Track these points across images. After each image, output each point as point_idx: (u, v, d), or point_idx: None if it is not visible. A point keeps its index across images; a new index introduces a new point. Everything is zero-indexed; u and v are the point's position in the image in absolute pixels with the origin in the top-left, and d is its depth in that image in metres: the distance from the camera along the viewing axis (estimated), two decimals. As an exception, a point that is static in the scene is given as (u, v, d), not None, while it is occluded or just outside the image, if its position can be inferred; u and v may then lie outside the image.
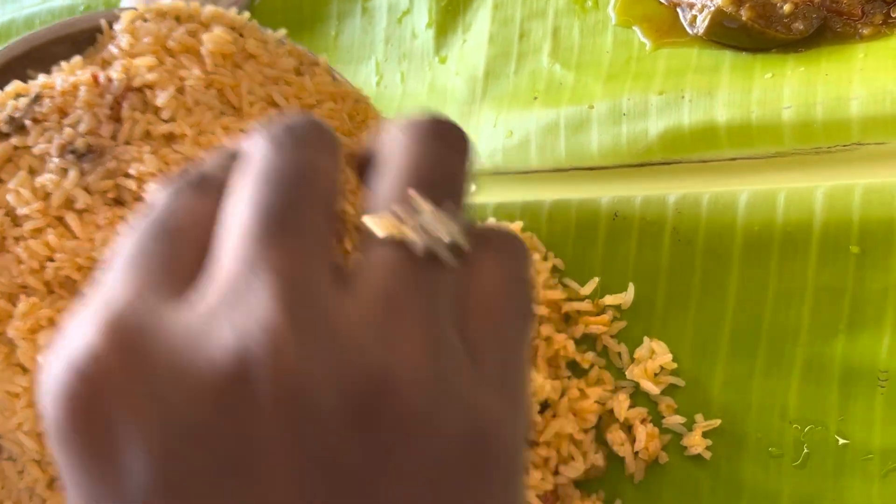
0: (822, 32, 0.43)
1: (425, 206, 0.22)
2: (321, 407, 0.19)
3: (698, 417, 0.41)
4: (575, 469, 0.41)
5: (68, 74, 0.38)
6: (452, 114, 0.52)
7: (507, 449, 0.23)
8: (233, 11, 0.63)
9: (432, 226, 0.22)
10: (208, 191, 0.24)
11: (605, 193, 0.45)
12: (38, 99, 0.37)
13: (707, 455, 0.40)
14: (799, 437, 0.39)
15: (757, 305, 0.41)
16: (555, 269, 0.46)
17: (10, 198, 0.36)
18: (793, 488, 0.38)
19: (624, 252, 0.44)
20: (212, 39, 0.39)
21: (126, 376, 0.19)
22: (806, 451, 0.39)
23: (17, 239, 0.35)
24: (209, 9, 0.41)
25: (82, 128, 0.36)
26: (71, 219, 0.35)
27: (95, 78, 0.37)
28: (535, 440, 0.42)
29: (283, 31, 0.42)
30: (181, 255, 0.22)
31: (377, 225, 0.22)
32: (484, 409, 0.22)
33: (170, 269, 0.22)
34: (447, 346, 0.21)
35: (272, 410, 0.19)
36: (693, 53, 0.46)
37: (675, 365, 0.42)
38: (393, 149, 0.24)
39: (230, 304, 0.20)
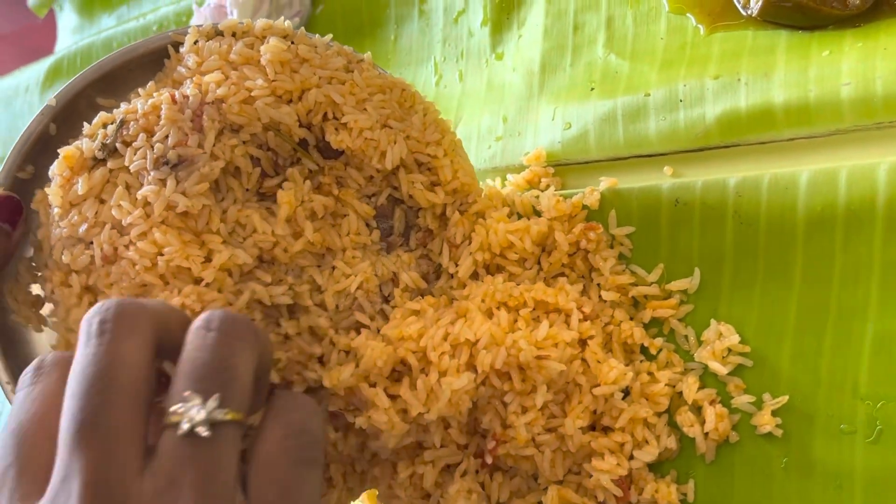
0: (879, 6, 0.42)
1: (191, 400, 0.30)
2: None
3: (766, 396, 0.41)
4: (649, 453, 0.42)
5: (146, 98, 0.42)
6: (511, 109, 0.53)
7: None
8: (295, 22, 0.66)
9: (192, 414, 0.29)
10: (45, 380, 0.32)
11: (666, 180, 0.45)
12: (123, 124, 0.41)
13: (778, 433, 0.40)
14: (871, 414, 0.39)
15: (823, 284, 0.41)
16: (621, 256, 0.47)
17: (114, 212, 0.39)
18: (866, 464, 0.38)
19: (687, 237, 0.45)
20: (269, 49, 0.42)
21: None
22: (879, 426, 0.39)
23: (126, 246, 0.39)
24: (261, 22, 0.44)
25: (171, 141, 0.40)
26: (175, 219, 0.40)
27: (173, 97, 0.40)
28: (611, 426, 0.43)
29: (329, 36, 0.45)
30: (27, 455, 0.30)
31: (166, 420, 0.30)
32: None
33: (17, 473, 0.30)
34: None
35: None
36: (748, 35, 0.46)
37: (743, 347, 0.42)
38: (185, 350, 0.32)
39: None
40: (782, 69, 0.43)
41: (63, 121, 0.44)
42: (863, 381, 0.39)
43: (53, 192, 0.40)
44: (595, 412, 0.43)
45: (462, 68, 0.58)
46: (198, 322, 0.32)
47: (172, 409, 0.30)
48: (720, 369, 0.42)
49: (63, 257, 0.40)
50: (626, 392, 0.43)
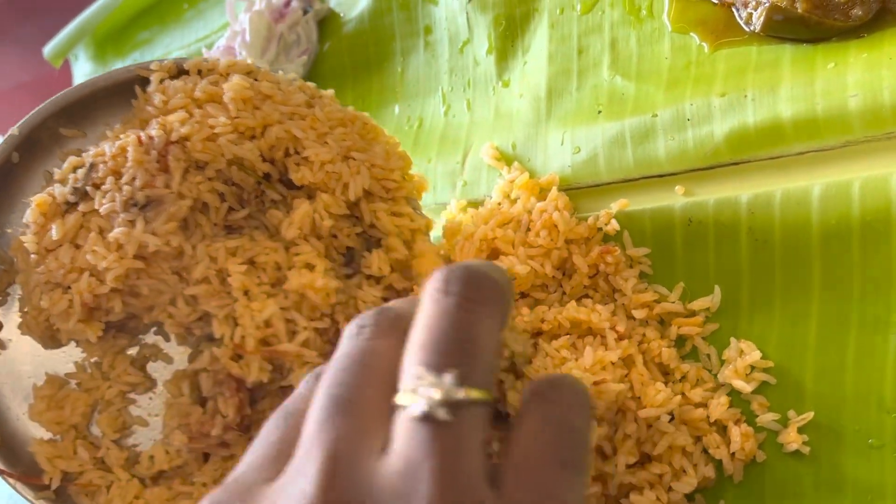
0: (881, 16, 0.42)
1: (425, 376, 0.26)
2: None
3: (791, 413, 0.41)
4: (688, 484, 0.41)
5: (114, 140, 0.43)
6: (520, 135, 0.53)
7: None
8: (303, 60, 0.67)
9: (428, 392, 0.26)
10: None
11: (678, 200, 0.45)
12: (93, 167, 0.42)
13: (805, 450, 0.40)
14: (899, 427, 0.38)
15: (843, 297, 0.40)
16: (642, 275, 0.47)
17: (89, 258, 0.40)
18: (898, 478, 0.38)
19: (703, 256, 0.44)
20: (231, 88, 0.43)
21: None
22: (908, 439, 0.38)
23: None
24: (225, 60, 0.45)
25: (138, 182, 0.41)
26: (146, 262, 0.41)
27: (139, 139, 0.42)
28: (650, 453, 0.42)
29: (293, 74, 0.46)
30: (289, 435, 0.29)
31: (398, 400, 0.27)
32: None
33: (277, 448, 0.29)
34: (462, 498, 0.25)
35: None
36: (752, 51, 0.46)
37: (766, 362, 0.42)
38: (417, 318, 0.29)
39: (292, 478, 0.27)
40: (788, 83, 0.43)
41: (26, 150, 0.45)
42: (888, 394, 0.39)
43: (29, 240, 0.42)
44: (639, 439, 0.42)
45: (470, 97, 0.58)
46: (434, 283, 0.29)
47: (403, 387, 0.27)
48: (745, 387, 0.42)
49: (42, 302, 0.41)
50: (671, 416, 0.43)
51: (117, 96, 0.46)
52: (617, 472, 0.41)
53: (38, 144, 0.46)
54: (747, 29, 0.46)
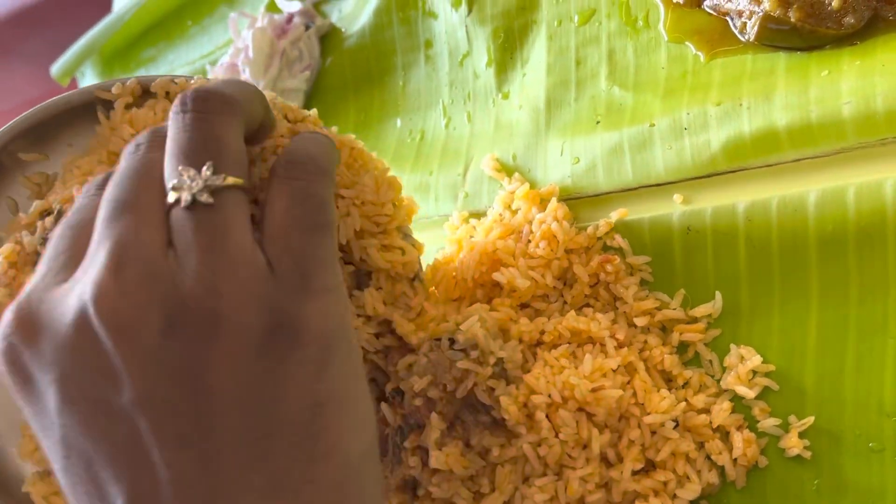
0: (873, 23, 0.43)
1: (185, 173, 0.31)
2: (140, 327, 0.28)
3: (792, 419, 0.41)
4: (692, 490, 0.42)
5: (80, 181, 0.42)
6: (520, 147, 0.54)
7: (314, 339, 0.30)
8: (306, 75, 0.68)
9: (189, 184, 0.31)
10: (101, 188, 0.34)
11: (676, 208, 0.46)
12: (60, 214, 0.41)
13: (807, 455, 0.40)
14: (899, 430, 0.39)
15: (841, 302, 0.41)
16: (643, 282, 0.47)
17: None
18: (898, 482, 0.38)
19: (701, 264, 0.45)
20: None
21: (27, 341, 0.30)
22: (908, 443, 0.38)
23: None
24: (196, 81, 0.44)
25: None
26: None
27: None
28: (653, 459, 0.43)
29: (273, 94, 0.44)
30: (76, 244, 0.32)
31: (168, 199, 0.31)
32: (282, 307, 0.30)
33: (65, 256, 0.32)
34: (235, 263, 0.30)
35: (105, 336, 0.28)
36: (747, 60, 0.46)
37: (768, 366, 0.42)
38: (168, 139, 0.33)
39: (84, 272, 0.30)
40: (783, 91, 0.44)
41: None
42: (888, 398, 0.39)
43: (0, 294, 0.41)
44: (643, 446, 0.43)
45: (470, 110, 0.59)
46: (173, 107, 0.33)
47: (170, 185, 0.31)
48: (748, 393, 0.42)
49: None
50: (676, 423, 0.43)
51: (78, 118, 0.45)
52: (622, 479, 0.42)
53: None
54: (742, 38, 0.47)
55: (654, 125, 0.48)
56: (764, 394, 0.42)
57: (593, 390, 0.41)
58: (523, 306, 0.49)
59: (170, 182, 0.31)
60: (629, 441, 0.42)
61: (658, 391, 0.43)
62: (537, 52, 0.56)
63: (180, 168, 0.31)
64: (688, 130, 0.46)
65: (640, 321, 0.46)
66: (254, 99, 0.37)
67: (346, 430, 0.31)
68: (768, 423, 0.42)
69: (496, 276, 0.47)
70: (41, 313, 0.30)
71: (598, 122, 0.51)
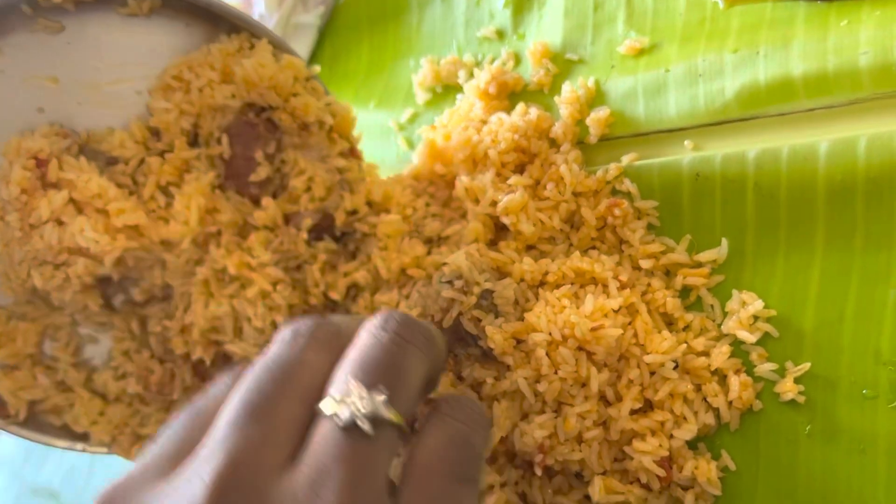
0: (896, -27, 0.42)
1: (355, 389, 0.28)
2: None
3: (788, 364, 0.42)
4: (689, 430, 0.42)
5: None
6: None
7: None
8: (321, 10, 0.67)
9: (357, 403, 0.27)
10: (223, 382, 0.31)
11: (686, 154, 0.46)
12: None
13: (801, 399, 0.41)
14: (893, 379, 0.39)
15: (845, 251, 0.41)
16: (650, 227, 0.47)
17: (80, 241, 0.43)
18: (889, 429, 0.39)
19: (709, 210, 0.45)
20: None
21: None
22: (902, 391, 0.39)
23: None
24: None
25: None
26: None
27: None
28: (652, 399, 0.43)
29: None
30: (190, 435, 0.29)
31: (322, 406, 0.28)
32: None
33: (175, 449, 0.29)
34: None
35: None
36: (767, 8, 0.46)
37: (769, 311, 0.43)
38: (354, 346, 0.31)
39: (188, 478, 0.26)
40: (801, 40, 0.43)
41: None
42: (885, 347, 0.40)
43: (13, 218, 0.43)
44: (642, 385, 0.43)
45: (485, 51, 0.58)
46: (374, 320, 0.31)
47: (331, 393, 0.28)
48: (749, 337, 0.43)
49: (34, 280, 0.44)
50: (675, 364, 0.44)
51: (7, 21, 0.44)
52: (620, 418, 0.42)
53: None
54: (763, -15, 0.46)
55: (668, 71, 0.48)
56: (763, 340, 0.43)
57: (593, 329, 0.42)
58: (530, 248, 0.49)
59: (335, 390, 0.28)
60: (628, 380, 0.43)
61: (659, 332, 0.44)
62: (555, -6, 0.55)
63: (353, 380, 0.28)
64: (702, 77, 0.46)
65: (645, 263, 0.46)
66: (444, 354, 0.35)
67: None
68: (765, 368, 0.42)
69: (504, 219, 0.48)
70: None
71: (612, 67, 0.51)
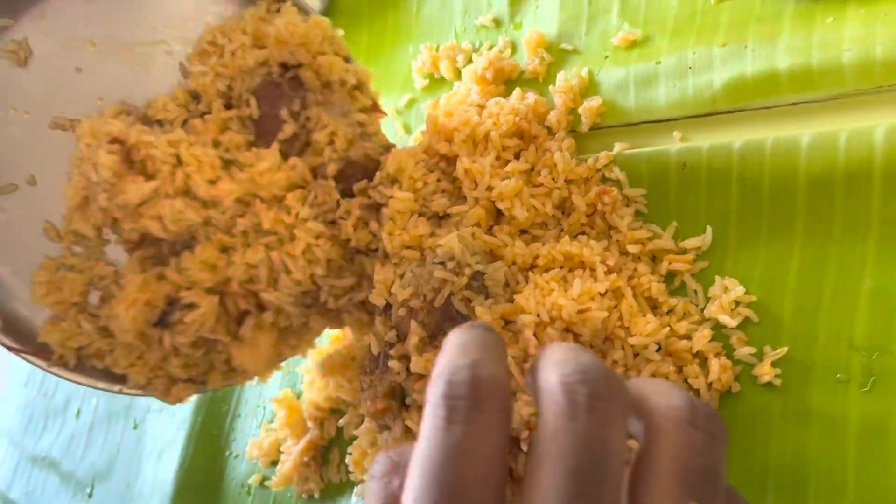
0: (881, -27, 0.43)
1: None
2: None
3: (767, 349, 0.43)
4: None
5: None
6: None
7: None
8: (322, -5, 0.68)
9: None
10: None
11: (674, 144, 0.48)
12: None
13: (777, 382, 0.43)
14: (866, 364, 0.41)
15: (823, 241, 0.43)
16: (638, 213, 0.49)
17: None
18: (860, 411, 0.40)
19: (694, 199, 0.47)
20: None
21: None
22: (873, 376, 0.41)
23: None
24: None
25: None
26: None
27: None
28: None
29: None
30: None
31: None
32: None
33: None
34: None
35: None
36: (756, 3, 0.47)
37: (749, 297, 0.44)
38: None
39: None
40: (787, 36, 0.45)
41: None
42: (859, 333, 0.41)
43: (109, 160, 0.45)
44: (626, 366, 0.45)
45: (482, 38, 0.60)
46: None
47: None
48: (730, 322, 0.44)
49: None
50: (658, 347, 0.45)
51: None
52: None
53: None
54: (753, -19, 0.48)
55: (660, 63, 0.49)
56: (743, 324, 0.45)
57: (580, 311, 0.43)
58: (522, 232, 0.51)
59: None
60: (612, 361, 0.45)
61: (644, 316, 0.45)
62: (552, -16, 0.56)
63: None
64: (692, 69, 0.48)
65: (632, 249, 0.48)
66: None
67: None
68: (744, 352, 0.44)
69: (499, 204, 0.49)
70: None
71: (606, 58, 0.52)
